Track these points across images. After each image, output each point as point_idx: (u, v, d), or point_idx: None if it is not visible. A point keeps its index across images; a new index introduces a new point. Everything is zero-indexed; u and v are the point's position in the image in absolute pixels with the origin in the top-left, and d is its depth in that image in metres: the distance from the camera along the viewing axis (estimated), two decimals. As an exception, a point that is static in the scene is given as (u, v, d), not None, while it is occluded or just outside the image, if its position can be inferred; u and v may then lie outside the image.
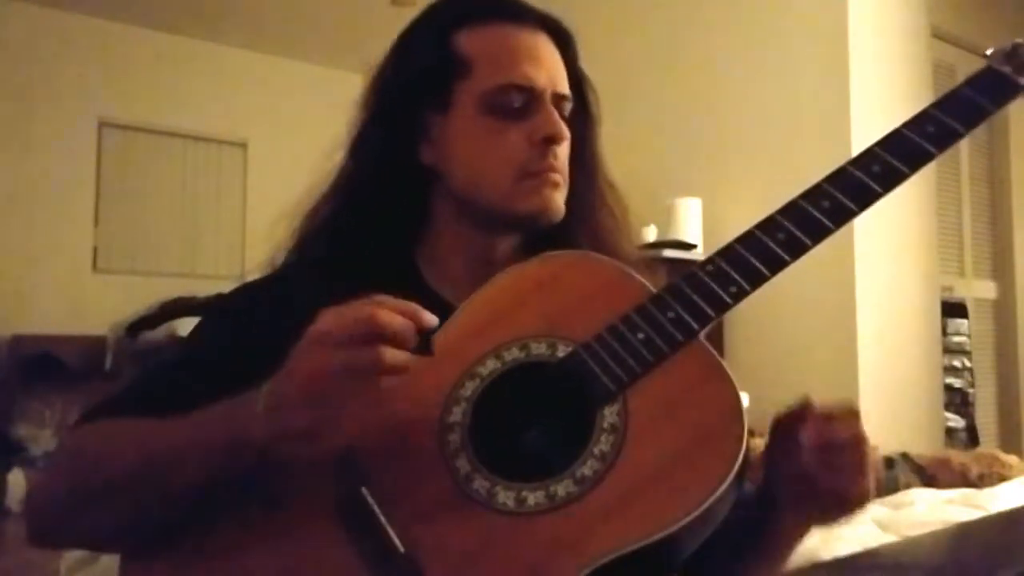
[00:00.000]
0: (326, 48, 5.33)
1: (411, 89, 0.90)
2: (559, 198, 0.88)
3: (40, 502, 0.79)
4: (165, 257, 5.36)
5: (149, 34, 5.24)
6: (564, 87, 0.90)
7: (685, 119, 3.66)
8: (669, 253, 3.17)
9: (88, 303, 4.91)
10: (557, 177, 0.88)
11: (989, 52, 0.80)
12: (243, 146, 5.62)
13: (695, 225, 3.37)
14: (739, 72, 3.47)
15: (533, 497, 0.68)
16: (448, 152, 0.89)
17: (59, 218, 4.98)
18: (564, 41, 0.93)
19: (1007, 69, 0.78)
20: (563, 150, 0.89)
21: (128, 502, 0.75)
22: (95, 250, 5.14)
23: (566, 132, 0.88)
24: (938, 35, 3.61)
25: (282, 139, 5.24)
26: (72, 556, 1.76)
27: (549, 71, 0.89)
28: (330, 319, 0.67)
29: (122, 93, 5.18)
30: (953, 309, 3.69)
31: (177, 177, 5.43)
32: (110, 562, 0.81)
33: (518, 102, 0.87)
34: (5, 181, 4.82)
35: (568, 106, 0.91)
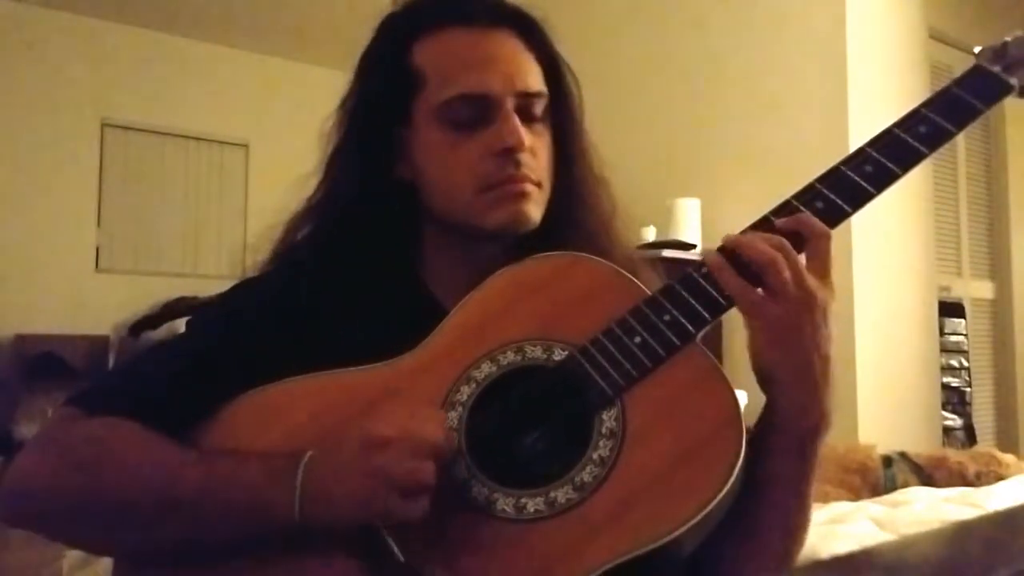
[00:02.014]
0: (327, 49, 5.32)
1: (377, 106, 0.87)
2: (529, 208, 0.84)
3: (26, 488, 0.75)
4: (167, 257, 5.36)
5: (152, 35, 5.24)
6: (530, 84, 0.85)
7: (684, 119, 3.66)
8: (668, 253, 3.17)
9: (91, 303, 4.91)
10: (522, 187, 0.83)
11: (977, 50, 0.79)
12: (245, 146, 5.62)
13: (694, 225, 3.38)
14: (738, 73, 3.48)
15: (533, 504, 0.67)
16: (418, 167, 0.87)
17: (62, 218, 4.98)
18: (530, 32, 0.88)
19: (996, 68, 0.77)
20: (530, 156, 0.84)
21: (134, 532, 0.74)
22: (98, 250, 5.14)
23: (525, 139, 0.83)
24: (935, 36, 3.61)
25: (283, 140, 5.23)
26: (74, 554, 1.76)
27: (507, 72, 0.83)
28: (391, 430, 0.67)
29: (125, 94, 5.18)
30: (950, 309, 3.69)
31: (179, 177, 5.43)
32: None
33: (472, 112, 0.83)
34: (8, 181, 4.82)
35: (540, 103, 0.86)
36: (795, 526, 0.76)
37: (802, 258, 0.71)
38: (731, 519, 0.68)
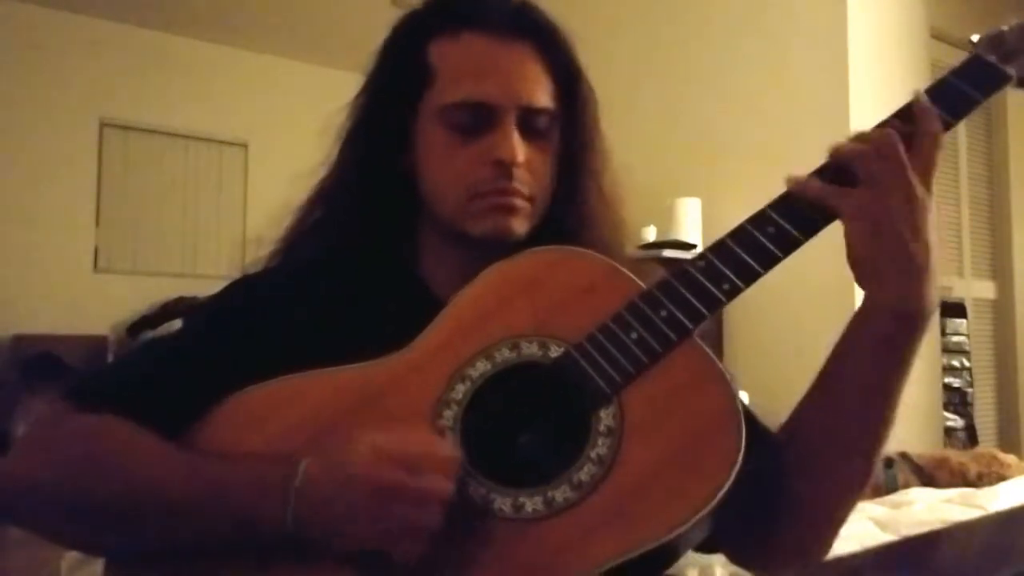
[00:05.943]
0: (326, 48, 5.33)
1: (387, 95, 0.88)
2: (513, 222, 0.84)
3: (12, 485, 0.75)
4: (166, 257, 5.35)
5: (150, 34, 5.24)
6: (535, 99, 0.85)
7: (685, 119, 3.66)
8: (669, 253, 3.17)
9: (89, 303, 4.90)
10: (509, 200, 0.83)
11: (975, 39, 0.78)
12: (244, 146, 5.62)
13: (695, 225, 3.38)
14: (739, 72, 3.48)
15: (531, 503, 0.67)
16: (418, 161, 0.87)
17: (60, 218, 4.98)
18: (550, 46, 0.88)
19: (993, 58, 0.76)
20: (525, 171, 0.84)
21: (120, 531, 0.74)
22: (96, 250, 5.14)
23: (522, 154, 0.83)
24: (937, 35, 3.61)
25: (282, 139, 5.24)
26: (73, 555, 1.76)
27: (513, 85, 0.84)
28: (402, 476, 0.65)
29: (124, 93, 5.18)
30: (952, 309, 3.70)
31: (178, 177, 5.43)
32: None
33: (473, 119, 0.83)
34: (6, 181, 4.82)
35: (545, 118, 0.86)
36: (883, 430, 0.75)
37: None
38: (814, 423, 0.74)
